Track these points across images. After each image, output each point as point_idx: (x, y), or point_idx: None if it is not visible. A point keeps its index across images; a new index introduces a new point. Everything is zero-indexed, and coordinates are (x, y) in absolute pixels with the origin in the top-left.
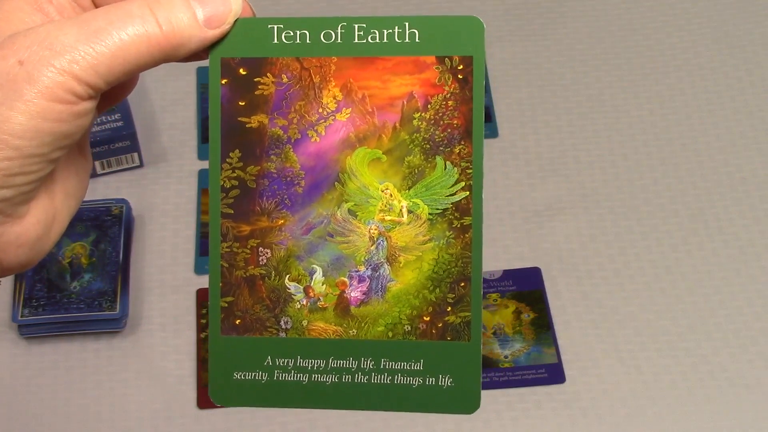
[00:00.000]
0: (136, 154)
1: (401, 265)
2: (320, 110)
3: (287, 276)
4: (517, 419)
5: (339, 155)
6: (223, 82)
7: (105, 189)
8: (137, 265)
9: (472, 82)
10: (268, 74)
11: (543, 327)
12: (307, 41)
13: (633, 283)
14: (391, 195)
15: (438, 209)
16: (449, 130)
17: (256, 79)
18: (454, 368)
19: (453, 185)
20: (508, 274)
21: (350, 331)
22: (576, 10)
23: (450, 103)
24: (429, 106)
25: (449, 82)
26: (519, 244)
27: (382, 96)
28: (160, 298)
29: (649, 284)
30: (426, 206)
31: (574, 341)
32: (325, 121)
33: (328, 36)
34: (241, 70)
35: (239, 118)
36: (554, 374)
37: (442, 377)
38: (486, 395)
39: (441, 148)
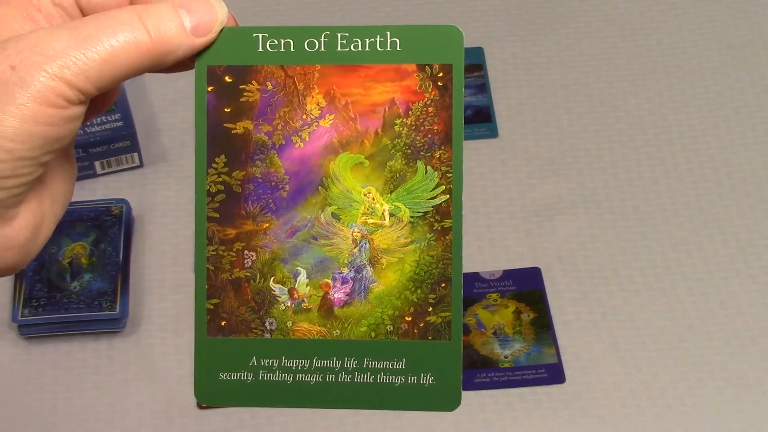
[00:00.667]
0: (136, 154)
1: (383, 266)
2: (304, 116)
3: (272, 278)
4: (517, 419)
5: (322, 160)
6: (209, 89)
7: (105, 189)
8: (137, 265)
9: (451, 89)
10: (253, 81)
11: (543, 327)
12: (291, 49)
13: (633, 283)
14: (373, 199)
15: (419, 212)
16: (430, 136)
17: (241, 87)
18: (436, 367)
19: (433, 189)
20: (508, 274)
21: (334, 332)
22: (576, 10)
23: (430, 109)
24: (410, 112)
25: (429, 89)
26: (519, 244)
27: (365, 103)
28: (160, 298)
29: (649, 284)
30: (407, 209)
31: (574, 341)
32: (308, 127)
33: (311, 44)
34: (226, 78)
35: (225, 125)
36: (554, 374)
37: (423, 376)
38: (486, 395)
39: (422, 153)
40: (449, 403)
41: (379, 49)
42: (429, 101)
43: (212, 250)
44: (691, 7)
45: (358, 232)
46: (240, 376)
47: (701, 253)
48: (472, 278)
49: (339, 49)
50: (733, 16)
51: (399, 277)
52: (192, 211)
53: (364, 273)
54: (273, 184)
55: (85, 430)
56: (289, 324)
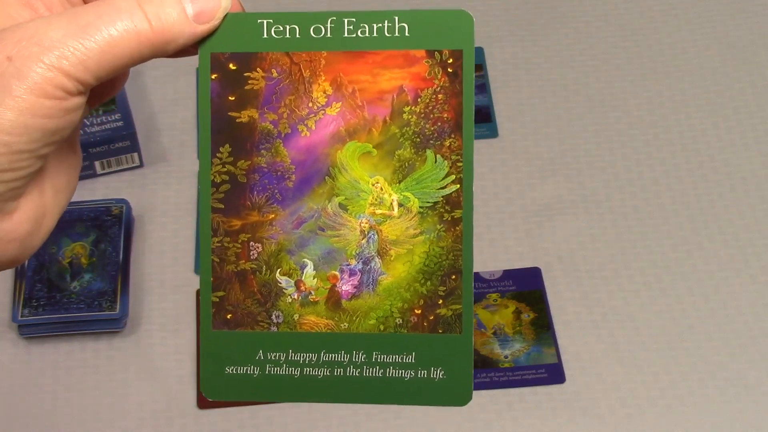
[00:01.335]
0: (136, 154)
1: (392, 258)
2: (310, 104)
3: (278, 270)
4: (517, 419)
5: (329, 149)
6: (213, 77)
7: (105, 189)
8: (137, 265)
9: (461, 76)
10: (258, 69)
11: (543, 327)
12: (297, 36)
13: (633, 283)
14: (381, 189)
15: (428, 202)
16: (439, 124)
17: (246, 74)
18: (446, 361)
19: (443, 178)
20: (508, 274)
21: (342, 325)
22: (576, 10)
23: (440, 96)
24: (419, 99)
25: (439, 76)
26: (519, 244)
27: (372, 90)
28: (160, 298)
29: (649, 284)
30: (416, 199)
31: (574, 341)
32: (315, 116)
33: (317, 30)
34: (230, 65)
35: (229, 113)
36: (554, 374)
37: (434, 370)
38: (486, 395)
39: (431, 142)
40: (460, 398)
41: (387, 34)
42: (438, 88)
43: (217, 242)
44: (691, 7)
45: (366, 223)
46: (246, 370)
47: (701, 253)
48: None
49: (346, 35)
50: (733, 16)
51: (408, 268)
52: (193, 210)
53: (373, 265)
54: (279, 173)
55: (85, 430)
56: (296, 317)
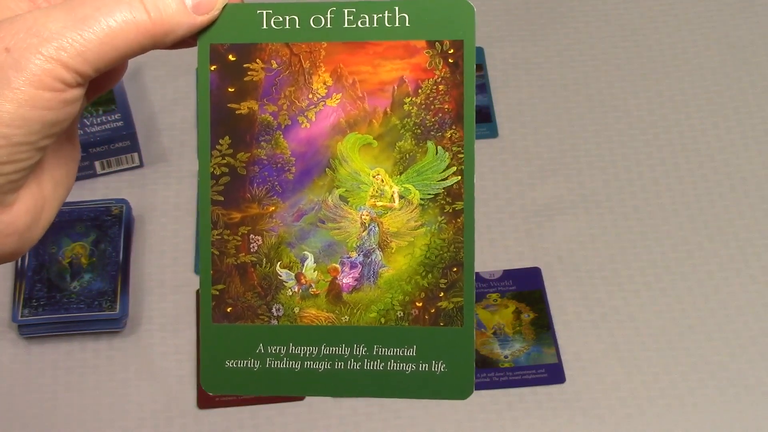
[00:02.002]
0: (136, 154)
1: (393, 250)
2: (310, 96)
3: (278, 263)
4: (517, 419)
5: (330, 141)
6: (212, 68)
7: (105, 189)
8: (137, 265)
9: (462, 66)
10: (258, 60)
11: (543, 327)
12: (297, 27)
13: (633, 283)
14: (382, 180)
15: (430, 194)
16: (440, 115)
17: (245, 65)
18: (448, 354)
19: (444, 170)
20: (508, 274)
21: (342, 318)
22: (576, 10)
23: (441, 87)
24: (420, 90)
25: (440, 67)
26: (519, 244)
27: (373, 81)
28: (160, 298)
29: (649, 284)
30: (417, 191)
31: (574, 341)
32: (315, 107)
33: (317, 21)
34: (230, 56)
35: (229, 105)
36: (554, 374)
37: (435, 363)
38: (486, 395)
39: (432, 133)
40: (461, 391)
41: (387, 25)
42: (439, 79)
43: (217, 234)
44: (691, 7)
45: (367, 215)
46: (246, 363)
47: (701, 253)
48: None
49: (346, 25)
50: (733, 16)
51: (409, 261)
52: (193, 210)
53: (373, 257)
54: (279, 166)
55: (85, 430)
56: (297, 310)
